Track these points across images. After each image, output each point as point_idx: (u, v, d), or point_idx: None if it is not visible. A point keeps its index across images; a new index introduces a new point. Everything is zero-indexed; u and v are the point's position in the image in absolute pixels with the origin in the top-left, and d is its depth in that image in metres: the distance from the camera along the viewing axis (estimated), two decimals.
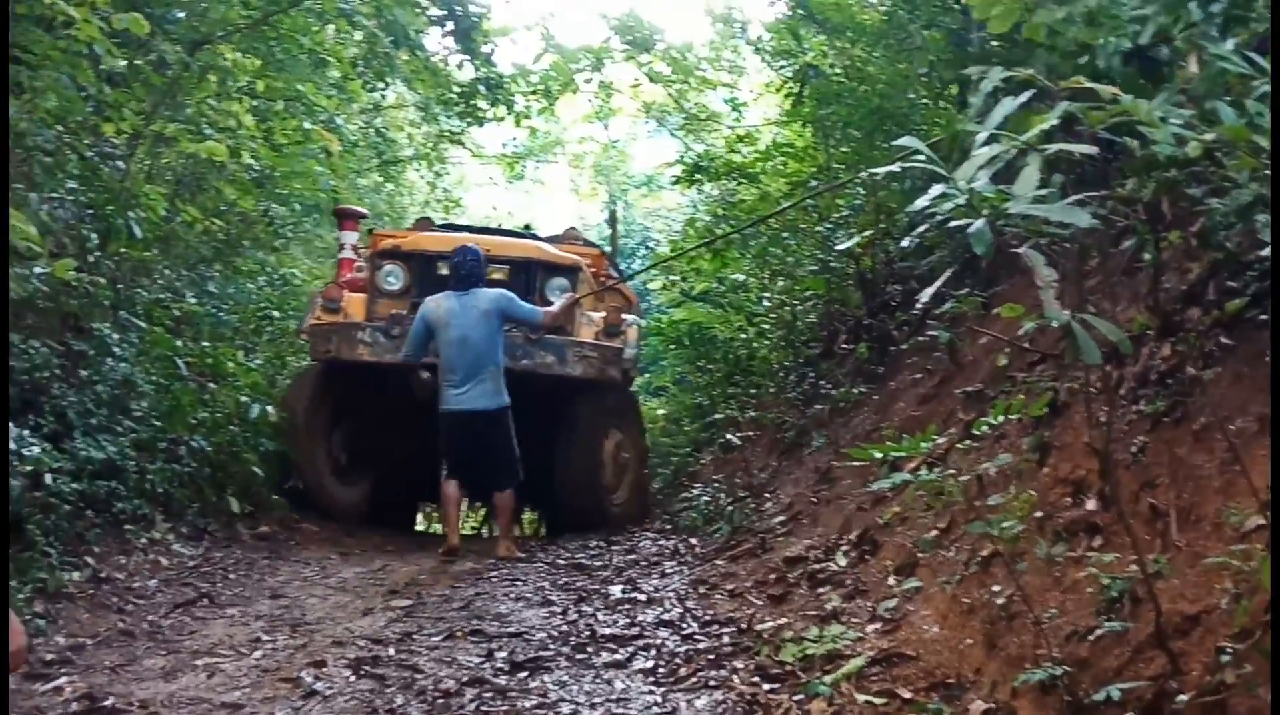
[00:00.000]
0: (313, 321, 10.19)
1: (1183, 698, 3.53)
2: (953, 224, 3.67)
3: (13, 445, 6.92)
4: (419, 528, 13.02)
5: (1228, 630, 3.62)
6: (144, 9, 9.51)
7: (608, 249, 13.64)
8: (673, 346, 15.82)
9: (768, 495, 9.52)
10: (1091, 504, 4.92)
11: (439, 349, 8.74)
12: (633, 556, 8.79)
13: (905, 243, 6.72)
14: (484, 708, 5.35)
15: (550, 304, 9.79)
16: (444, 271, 9.83)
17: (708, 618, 6.71)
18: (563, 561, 8.78)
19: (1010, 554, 4.83)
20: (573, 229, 12.93)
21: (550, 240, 11.72)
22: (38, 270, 7.62)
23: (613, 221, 12.89)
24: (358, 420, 10.42)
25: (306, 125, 14.57)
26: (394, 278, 10.33)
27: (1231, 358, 4.72)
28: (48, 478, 7.12)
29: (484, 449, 8.78)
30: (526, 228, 14.14)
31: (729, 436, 11.65)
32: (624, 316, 10.71)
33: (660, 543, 9.30)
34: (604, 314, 10.46)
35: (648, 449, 12.24)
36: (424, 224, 12.63)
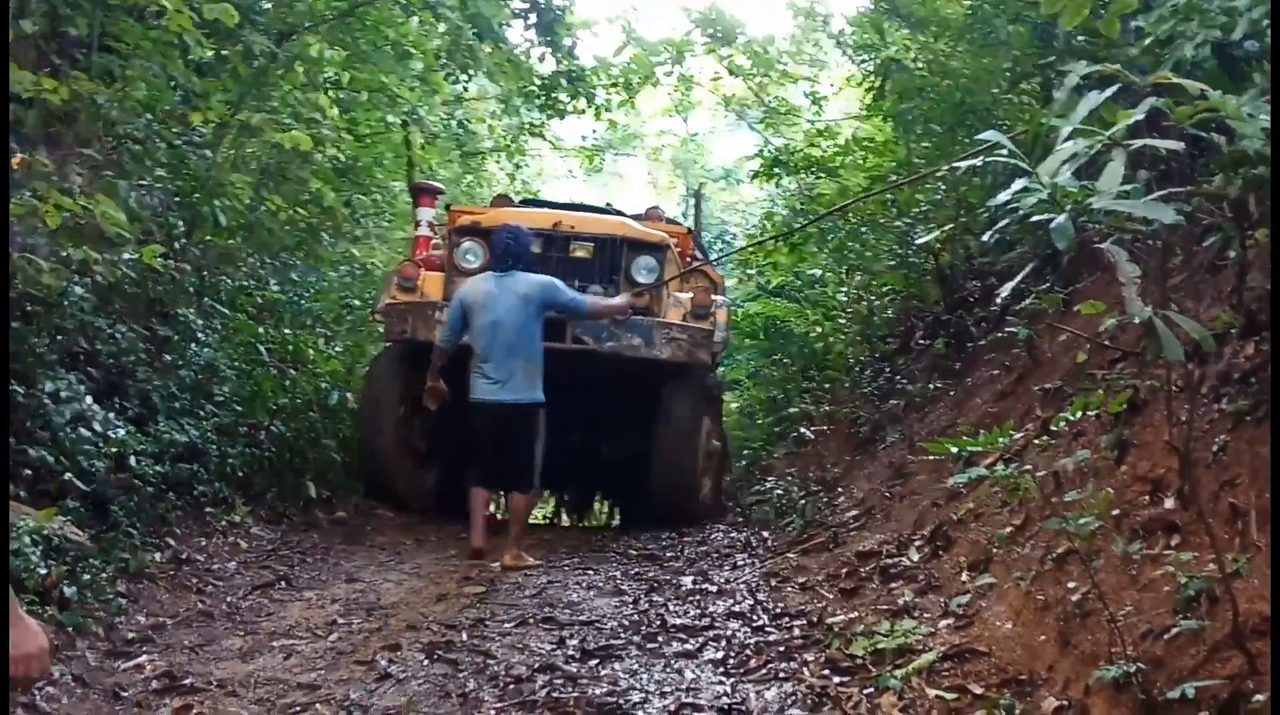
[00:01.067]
0: (388, 301, 9.80)
1: (1260, 697, 3.52)
2: (1035, 219, 3.68)
3: (98, 427, 7.09)
4: (497, 516, 12.92)
5: None
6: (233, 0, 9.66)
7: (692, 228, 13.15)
8: (748, 340, 15.86)
9: (840, 490, 9.52)
10: (1170, 502, 4.88)
11: (471, 335, 8.11)
12: (704, 549, 8.82)
13: (986, 238, 6.71)
14: (555, 694, 5.41)
15: (637, 284, 9.50)
16: None
17: (778, 610, 6.74)
18: (634, 552, 8.82)
19: (1086, 551, 4.82)
20: (655, 208, 12.24)
21: (633, 219, 11.18)
22: (126, 256, 7.78)
23: (697, 200, 12.27)
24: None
25: (390, 119, 14.80)
26: (473, 255, 9.70)
27: None
28: (132, 460, 7.28)
29: (506, 445, 8.14)
30: (608, 205, 13.63)
31: (803, 430, 11.68)
32: (713, 297, 10.33)
33: (732, 536, 9.33)
34: (692, 295, 10.02)
35: (728, 437, 11.88)
36: (502, 201, 12.16)
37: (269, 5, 11.65)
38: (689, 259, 11.07)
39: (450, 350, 8.24)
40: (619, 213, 11.61)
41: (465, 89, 19.48)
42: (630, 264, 9.67)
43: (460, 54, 17.43)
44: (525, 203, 12.43)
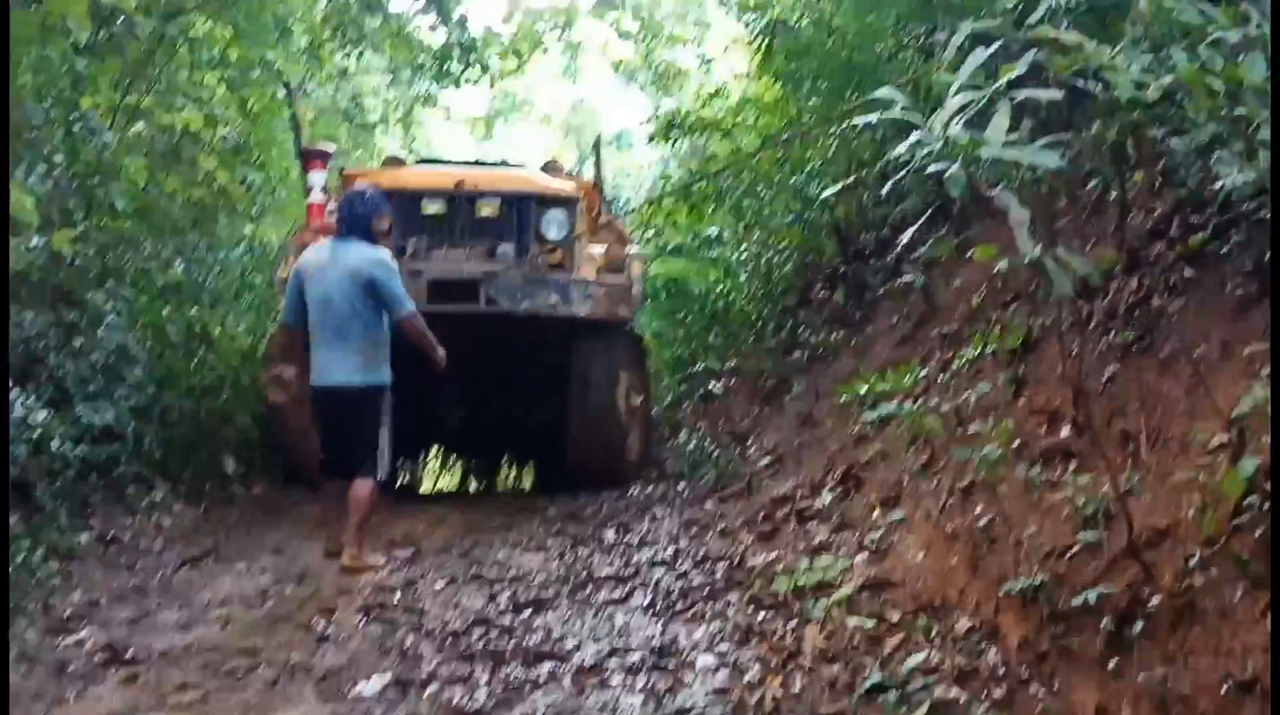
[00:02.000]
0: (284, 274, 8.88)
1: (1155, 601, 3.79)
2: (929, 170, 3.90)
3: (18, 411, 7.11)
4: (398, 484, 12.73)
5: (1195, 540, 3.84)
6: None
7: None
8: (650, 300, 15.91)
9: (751, 441, 9.73)
10: (1066, 431, 5.13)
11: (308, 310, 7.14)
12: (622, 503, 8.97)
13: (884, 191, 6.92)
14: (491, 645, 5.60)
15: (547, 241, 9.16)
16: (431, 210, 9.15)
17: (700, 556, 6.98)
18: (553, 512, 8.91)
19: (990, 481, 5.07)
20: (553, 162, 11.55)
21: (533, 171, 10.79)
22: (34, 242, 7.77)
23: (597, 152, 11.74)
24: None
25: (279, 95, 14.64)
26: None
27: (1195, 289, 4.93)
28: (54, 443, 7.31)
29: (343, 429, 7.15)
30: (505, 161, 12.81)
31: (711, 386, 11.86)
32: (627, 250, 10.00)
33: (649, 490, 9.45)
34: (604, 248, 9.62)
35: (651, 390, 11.41)
36: (394, 163, 11.32)
37: None
38: (596, 212, 10.60)
39: (295, 328, 7.32)
40: (521, 167, 11.19)
41: (356, 62, 19.31)
42: (540, 219, 9.22)
43: (348, 27, 17.43)
44: (422, 162, 11.82)
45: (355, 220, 7.07)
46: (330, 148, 11.32)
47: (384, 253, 7.11)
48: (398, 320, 7.00)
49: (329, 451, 7.29)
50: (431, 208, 9.06)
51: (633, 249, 10.53)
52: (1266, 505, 3.54)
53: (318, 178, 10.35)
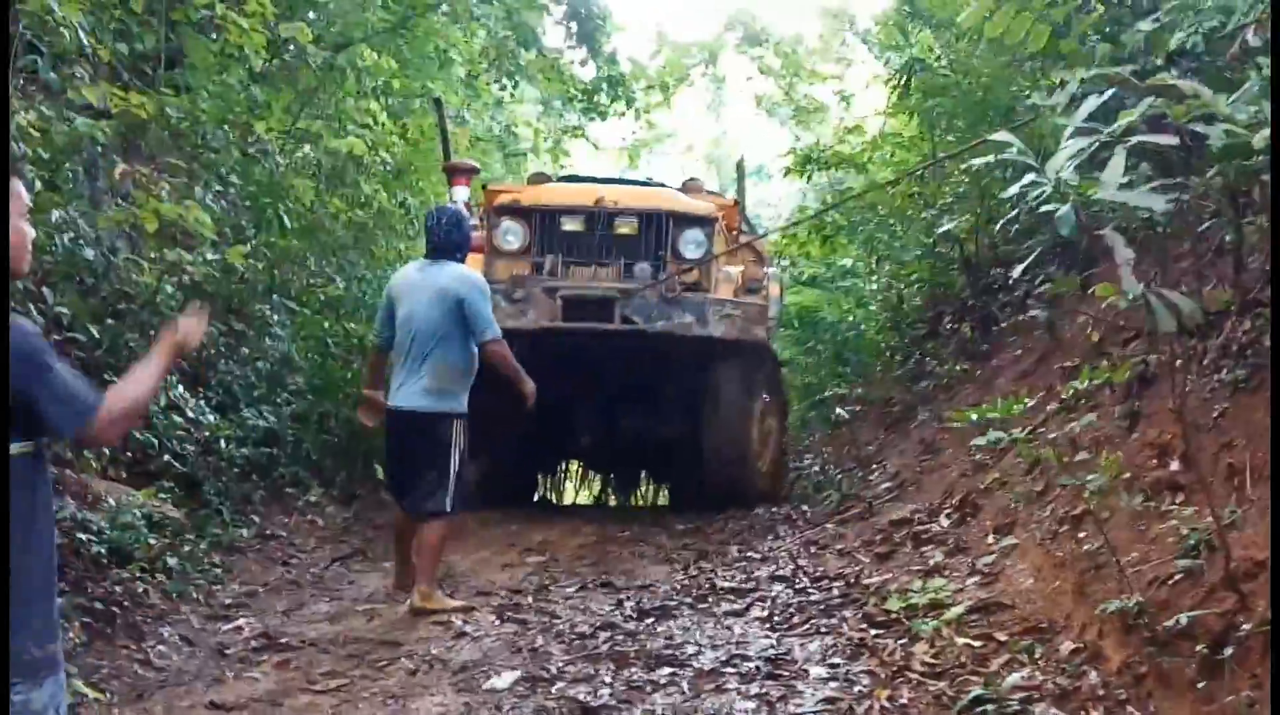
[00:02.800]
0: None
1: (1246, 627, 3.83)
2: (1043, 209, 4.01)
3: (190, 413, 7.52)
4: (536, 497, 12.83)
5: None
6: (297, 16, 10.03)
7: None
8: (782, 329, 15.97)
9: (874, 466, 9.75)
10: (1175, 465, 5.14)
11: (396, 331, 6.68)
12: (746, 522, 8.99)
13: (999, 227, 6.90)
14: (616, 647, 5.76)
15: (684, 260, 8.73)
16: (570, 227, 8.81)
17: (818, 573, 7.04)
18: (681, 527, 9.01)
19: (1099, 510, 5.10)
20: (694, 179, 11.05)
21: (674, 189, 10.35)
22: (210, 256, 8.20)
23: (740, 173, 11.40)
24: (478, 394, 8.70)
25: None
26: (513, 236, 8.83)
27: None
28: (221, 444, 7.71)
29: (411, 456, 6.58)
30: (650, 179, 12.60)
31: (839, 411, 11.90)
32: (765, 270, 9.73)
33: (773, 510, 9.43)
34: (742, 268, 9.18)
35: (788, 412, 11.35)
36: (540, 178, 10.98)
37: (325, 20, 12.01)
38: (736, 231, 10.16)
39: (385, 351, 6.85)
40: (662, 185, 10.79)
41: (512, 94, 19.66)
42: (677, 238, 8.78)
43: (504, 60, 17.85)
44: (565, 179, 11.30)
45: (445, 240, 6.58)
46: (474, 164, 11.18)
47: (477, 274, 6.79)
48: (482, 342, 6.46)
49: (394, 475, 6.84)
50: (570, 224, 8.77)
51: (771, 270, 10.29)
52: None
53: (461, 192, 10.16)
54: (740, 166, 11.67)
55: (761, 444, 9.36)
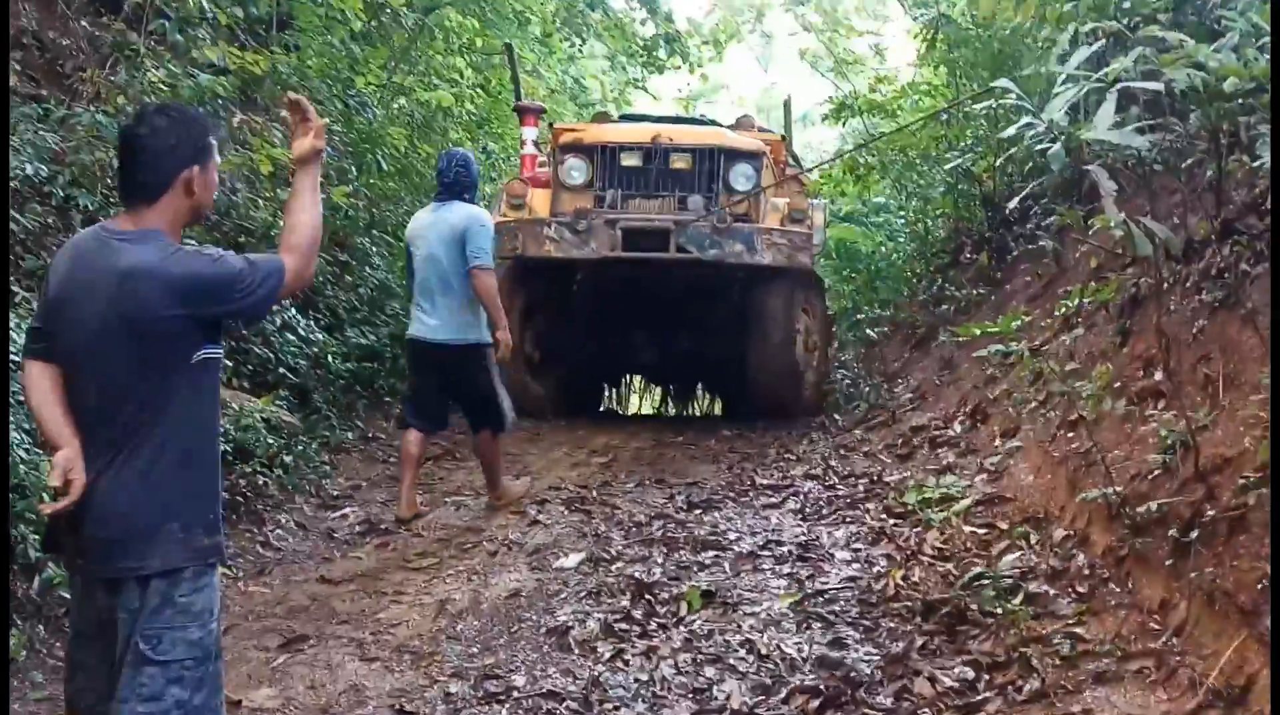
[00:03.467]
0: (499, 218, 8.15)
1: (1211, 514, 3.90)
2: (1038, 148, 4.04)
3: (301, 332, 7.70)
4: (602, 407, 12.66)
5: (1252, 466, 3.91)
6: None
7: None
8: (822, 260, 15.92)
9: (899, 380, 9.80)
10: (1158, 375, 5.12)
11: (415, 269, 6.44)
12: (785, 429, 9.01)
13: (997, 163, 6.77)
14: (668, 534, 5.94)
15: (734, 191, 8.51)
16: (629, 162, 8.51)
17: (846, 472, 7.17)
18: (727, 433, 9.06)
19: (1092, 416, 5.15)
20: (747, 116, 10.93)
21: (727, 127, 10.08)
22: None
23: (787, 111, 11.02)
24: (548, 316, 8.97)
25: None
26: (577, 172, 8.58)
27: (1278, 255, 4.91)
28: (329, 358, 7.89)
29: (455, 387, 6.43)
30: (703, 116, 12.46)
31: (869, 332, 11.92)
32: (809, 201, 9.42)
33: (809, 419, 9.49)
34: (788, 199, 8.93)
35: (832, 329, 11.21)
36: (602, 117, 10.93)
37: None
38: (783, 165, 9.90)
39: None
40: (714, 123, 10.67)
41: (580, 51, 19.62)
42: (728, 172, 8.51)
43: (574, 20, 17.80)
44: (624, 118, 11.01)
45: (455, 182, 6.29)
46: (541, 105, 11.03)
47: (482, 211, 6.39)
48: (470, 267, 6.06)
49: (418, 401, 6.53)
50: (629, 160, 8.44)
51: (816, 201, 10.00)
52: None
53: (530, 132, 10.00)
54: (787, 105, 11.26)
55: (806, 362, 9.14)
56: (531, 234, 8.25)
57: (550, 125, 10.41)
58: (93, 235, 2.81)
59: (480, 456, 6.53)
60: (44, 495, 3.84)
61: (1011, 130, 3.94)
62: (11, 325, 4.65)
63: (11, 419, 4.38)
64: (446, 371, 6.34)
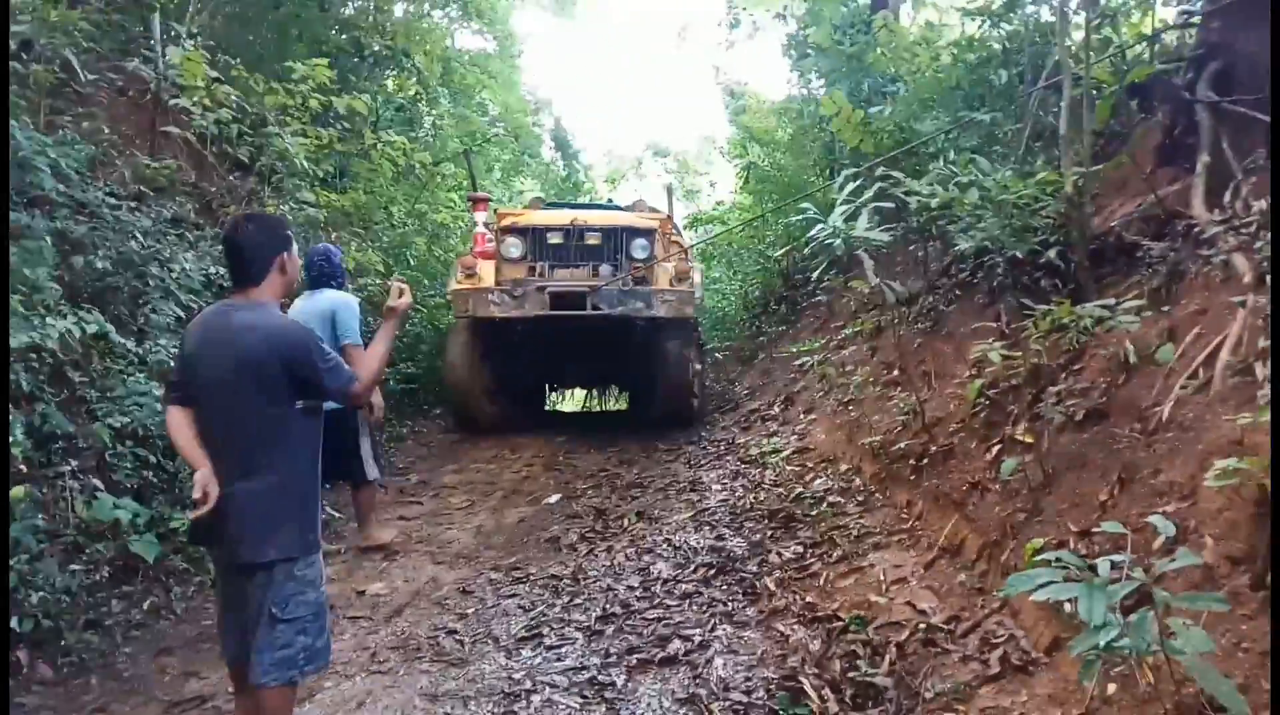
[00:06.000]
0: (454, 286, 7.47)
1: (932, 450, 4.15)
2: (826, 241, 4.30)
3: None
4: (547, 408, 11.45)
5: (955, 421, 4.18)
6: (416, 141, 10.00)
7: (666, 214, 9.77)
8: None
9: (737, 383, 9.89)
10: (895, 372, 5.40)
11: None
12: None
13: (806, 252, 6.87)
14: (610, 479, 6.07)
15: (635, 260, 7.36)
16: (554, 240, 7.42)
17: (712, 439, 7.24)
18: (636, 423, 8.78)
19: (858, 398, 5.43)
20: (640, 200, 9.55)
21: (626, 208, 8.98)
22: (376, 280, 8.22)
23: (669, 194, 9.80)
24: (498, 358, 7.85)
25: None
26: (515, 248, 7.44)
27: (961, 301, 5.18)
28: (389, 381, 7.76)
29: (334, 441, 3.83)
30: (609, 201, 11.15)
31: (717, 356, 12.09)
32: (689, 265, 8.20)
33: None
34: (674, 264, 7.87)
35: (705, 364, 9.70)
36: (536, 203, 9.43)
37: (436, 141, 11.86)
38: (669, 237, 8.67)
39: None
40: (618, 207, 9.36)
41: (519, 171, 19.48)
42: (629, 245, 7.49)
43: (518, 163, 17.68)
44: (550, 204, 9.71)
45: (319, 274, 4.84)
46: (488, 195, 9.64)
47: (347, 296, 4.82)
48: (341, 344, 4.53)
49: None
50: (554, 238, 7.46)
51: (694, 263, 9.02)
52: (986, 404, 3.93)
53: (481, 215, 8.69)
54: (669, 190, 10.14)
55: (694, 385, 8.25)
56: (480, 299, 7.20)
57: (495, 211, 8.91)
58: (217, 308, 2.49)
59: (358, 507, 4.96)
60: (188, 503, 3.36)
61: (815, 231, 4.16)
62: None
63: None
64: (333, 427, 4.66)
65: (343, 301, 4.67)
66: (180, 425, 2.43)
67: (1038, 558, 1.81)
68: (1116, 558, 1.75)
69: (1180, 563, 1.71)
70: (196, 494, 2.32)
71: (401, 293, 2.68)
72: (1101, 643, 1.69)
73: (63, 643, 3.42)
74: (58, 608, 3.45)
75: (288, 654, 2.39)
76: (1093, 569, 1.80)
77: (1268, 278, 2.71)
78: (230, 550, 2.40)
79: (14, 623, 3.24)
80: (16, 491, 3.39)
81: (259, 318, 2.39)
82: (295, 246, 2.55)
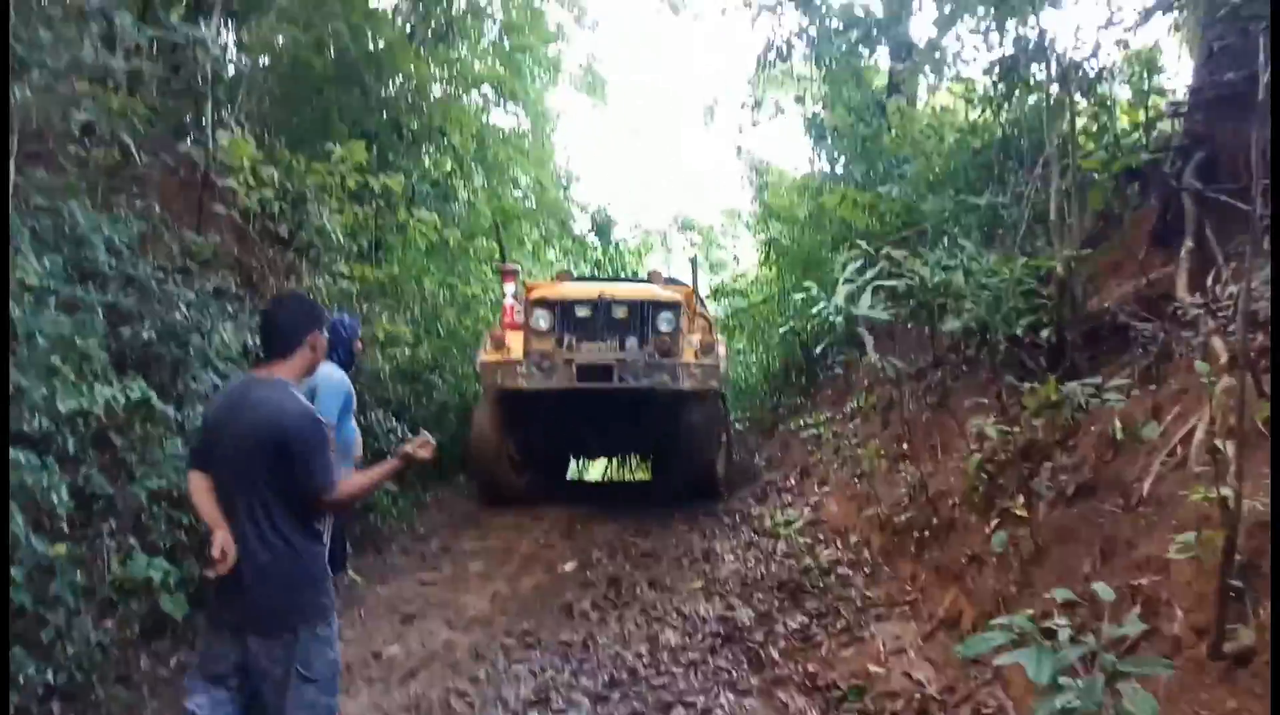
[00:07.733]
0: (483, 358, 7.45)
1: (935, 522, 4.25)
2: (831, 318, 4.48)
3: (397, 432, 7.58)
4: (570, 477, 11.11)
5: (957, 495, 4.27)
6: (445, 221, 10.30)
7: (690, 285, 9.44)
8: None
9: (756, 453, 9.90)
10: (905, 446, 5.49)
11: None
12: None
13: (808, 327, 6.98)
14: (625, 548, 6.10)
15: (661, 335, 7.22)
16: (581, 313, 7.33)
17: (726, 510, 7.24)
18: (653, 493, 8.75)
19: (869, 471, 5.43)
20: (656, 272, 9.07)
21: (643, 281, 8.78)
22: (406, 351, 8.38)
23: (694, 266, 9.78)
24: (525, 428, 7.79)
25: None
26: (543, 320, 7.35)
27: (966, 377, 5.34)
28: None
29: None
30: (634, 273, 11.15)
31: (738, 426, 12.10)
32: (714, 337, 8.23)
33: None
34: (699, 336, 7.79)
35: (732, 435, 9.22)
36: (563, 276, 9.37)
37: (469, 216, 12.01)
38: (694, 310, 8.38)
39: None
40: (644, 280, 8.91)
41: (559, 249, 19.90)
42: (655, 318, 7.33)
43: (552, 237, 18.17)
44: (579, 279, 9.62)
45: (334, 345, 4.66)
46: (516, 267, 9.57)
47: (337, 376, 4.62)
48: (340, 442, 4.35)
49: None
50: (581, 312, 7.36)
51: (719, 336, 8.88)
52: (985, 478, 4.02)
53: (509, 287, 8.67)
54: (694, 262, 9.94)
55: (718, 455, 7.86)
56: (509, 372, 7.15)
57: (524, 283, 8.69)
58: (241, 381, 2.60)
59: None
60: (205, 563, 3.21)
61: (815, 309, 4.34)
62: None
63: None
64: None
65: (327, 378, 4.47)
66: (200, 489, 2.52)
67: (992, 623, 1.93)
68: (1061, 622, 1.88)
69: (1126, 630, 1.83)
70: (215, 553, 2.41)
71: (424, 445, 2.71)
72: (1058, 705, 1.81)
73: (93, 697, 3.58)
74: (90, 662, 3.61)
75: (314, 714, 2.47)
76: (1052, 634, 1.93)
77: (1239, 360, 2.84)
78: (252, 616, 2.45)
79: (49, 676, 3.40)
80: (59, 548, 3.60)
81: (274, 393, 2.48)
82: (326, 329, 2.67)
